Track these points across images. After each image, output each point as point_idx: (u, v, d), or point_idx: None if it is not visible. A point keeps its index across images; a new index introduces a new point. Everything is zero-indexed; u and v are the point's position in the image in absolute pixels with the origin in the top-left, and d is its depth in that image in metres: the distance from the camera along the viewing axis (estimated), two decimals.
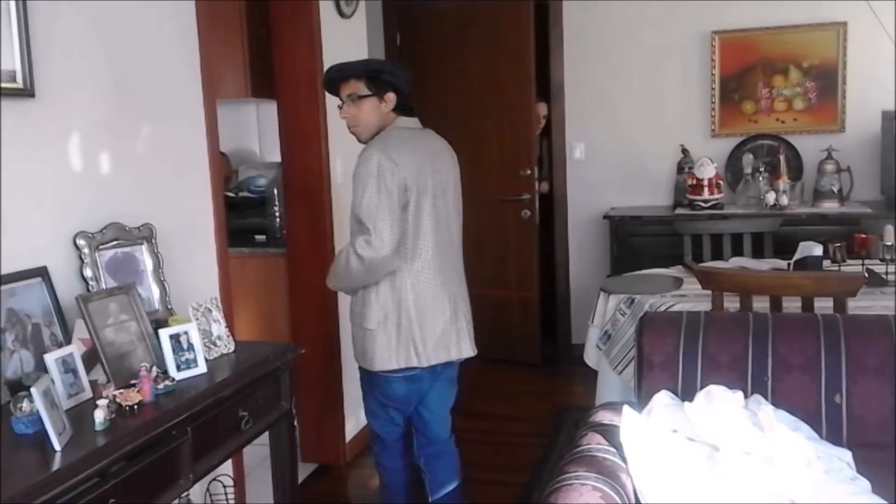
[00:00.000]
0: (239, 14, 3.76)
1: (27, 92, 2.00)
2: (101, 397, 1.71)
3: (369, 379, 2.69)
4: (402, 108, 2.65)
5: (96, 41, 2.27)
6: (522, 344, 5.04)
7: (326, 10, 3.60)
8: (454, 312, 2.65)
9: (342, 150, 3.75)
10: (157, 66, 2.53)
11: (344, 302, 3.73)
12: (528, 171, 4.91)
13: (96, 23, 2.26)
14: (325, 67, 3.54)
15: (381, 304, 2.54)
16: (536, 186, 4.97)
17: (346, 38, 3.85)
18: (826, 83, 4.69)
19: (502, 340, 4.91)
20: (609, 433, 2.09)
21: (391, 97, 2.61)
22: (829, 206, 4.42)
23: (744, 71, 4.80)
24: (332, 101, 3.58)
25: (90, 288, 2.12)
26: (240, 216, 3.98)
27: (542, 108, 5.12)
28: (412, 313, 2.54)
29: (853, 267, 3.10)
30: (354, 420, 3.92)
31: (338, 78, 2.67)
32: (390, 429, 2.79)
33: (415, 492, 2.94)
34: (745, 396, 2.11)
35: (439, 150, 2.71)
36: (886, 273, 3.02)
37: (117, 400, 1.74)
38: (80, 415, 1.72)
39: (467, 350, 2.70)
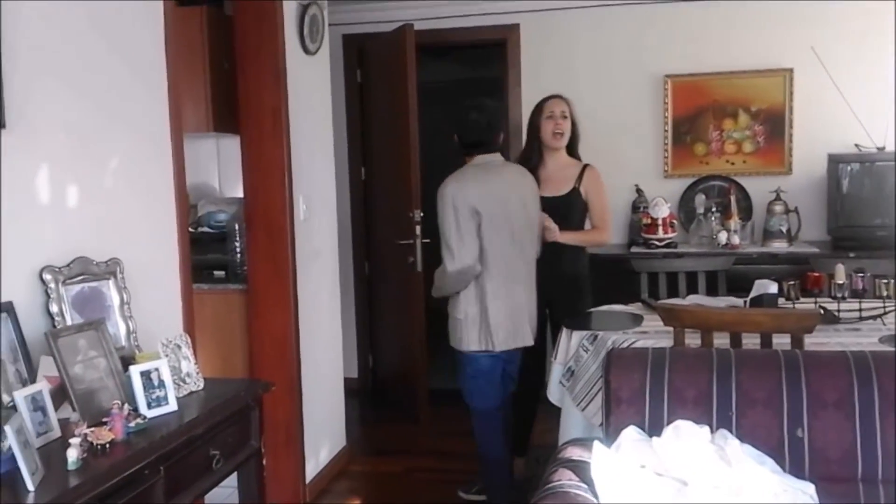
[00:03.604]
0: (202, 48, 3.75)
1: None
2: (73, 436, 1.67)
3: (461, 359, 3.31)
4: (483, 146, 3.25)
5: (67, 73, 2.25)
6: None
7: (291, 47, 3.62)
8: (518, 314, 3.26)
9: (305, 188, 3.76)
10: (125, 100, 2.51)
11: (306, 339, 3.72)
12: (411, 214, 4.51)
13: (67, 55, 2.25)
14: (290, 103, 3.58)
15: (468, 301, 3.21)
16: (417, 231, 4.49)
17: (310, 75, 3.88)
18: (774, 127, 4.86)
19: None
20: (579, 469, 2.12)
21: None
22: (779, 246, 4.57)
23: (695, 114, 4.95)
24: (295, 136, 3.62)
25: (56, 324, 2.08)
26: (199, 252, 3.91)
27: (555, 106, 3.79)
28: (489, 311, 3.19)
29: (806, 304, 3.19)
30: (315, 461, 3.87)
31: None
32: (487, 399, 3.33)
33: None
34: (711, 431, 2.15)
35: (512, 181, 3.29)
36: (838, 310, 3.12)
37: (88, 438, 1.70)
38: (48, 454, 1.68)
39: (528, 341, 3.35)
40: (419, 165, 4.65)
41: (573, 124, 3.83)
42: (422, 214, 4.49)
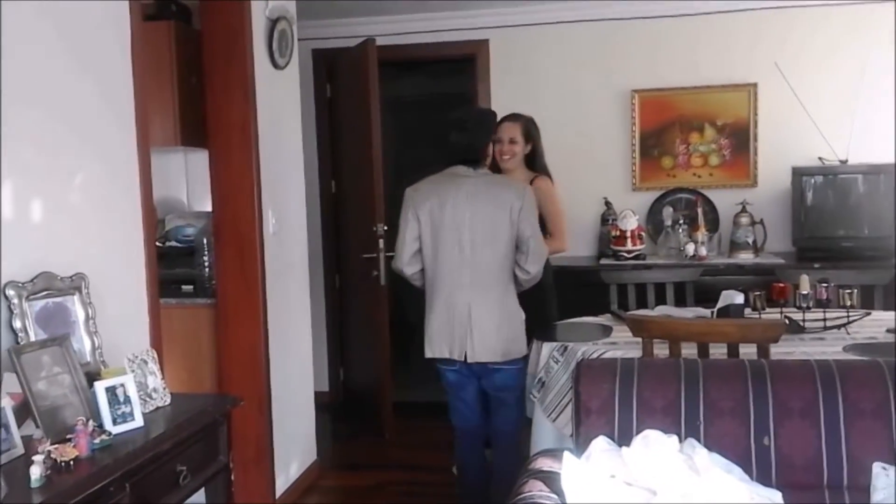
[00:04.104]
0: (170, 62, 3.71)
1: None
2: (36, 453, 1.64)
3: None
4: (464, 163, 3.19)
5: (33, 88, 2.22)
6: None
7: (260, 61, 3.62)
8: (458, 326, 3.14)
9: (275, 201, 3.74)
10: (91, 115, 2.49)
11: (276, 354, 3.70)
12: (375, 228, 4.53)
13: (33, 69, 2.22)
14: (259, 117, 3.57)
15: (426, 305, 3.24)
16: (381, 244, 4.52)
17: (280, 89, 3.87)
18: (739, 140, 4.94)
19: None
20: (549, 479, 2.12)
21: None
22: (745, 257, 4.63)
23: (662, 128, 5.02)
24: (264, 151, 3.61)
25: (19, 340, 2.04)
26: (167, 266, 3.87)
27: (504, 131, 3.83)
28: (429, 316, 3.21)
29: (772, 314, 3.24)
30: (285, 476, 3.84)
31: None
32: (458, 417, 3.34)
33: None
34: (680, 440, 2.17)
35: (474, 192, 3.14)
36: (804, 320, 3.16)
37: (52, 455, 1.67)
38: (11, 472, 1.65)
39: (471, 356, 3.15)
40: (387, 179, 4.64)
41: (532, 141, 3.87)
42: (385, 228, 4.48)
